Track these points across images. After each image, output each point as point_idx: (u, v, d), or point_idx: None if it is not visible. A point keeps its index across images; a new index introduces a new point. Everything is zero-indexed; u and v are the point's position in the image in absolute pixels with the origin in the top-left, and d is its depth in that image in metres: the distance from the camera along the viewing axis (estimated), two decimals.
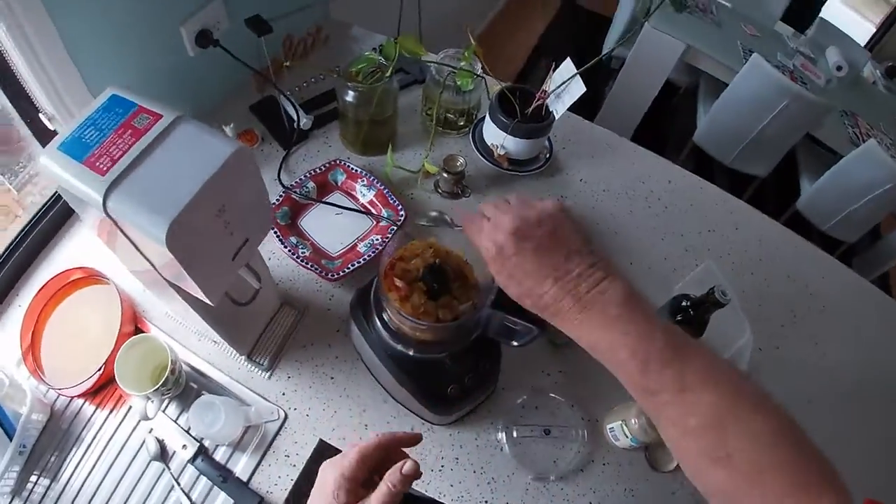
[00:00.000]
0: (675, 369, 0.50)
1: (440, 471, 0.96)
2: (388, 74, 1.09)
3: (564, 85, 1.14)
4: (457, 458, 0.97)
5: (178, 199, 0.56)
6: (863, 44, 3.02)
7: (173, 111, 0.61)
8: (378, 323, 0.87)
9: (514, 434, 0.99)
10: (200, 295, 0.70)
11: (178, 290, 0.74)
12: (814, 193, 2.43)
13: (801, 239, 1.38)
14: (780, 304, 1.25)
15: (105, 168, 0.57)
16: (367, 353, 0.94)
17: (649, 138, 2.16)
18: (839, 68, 2.50)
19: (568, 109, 1.14)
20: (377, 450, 0.56)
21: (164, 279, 0.71)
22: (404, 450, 0.60)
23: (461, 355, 0.89)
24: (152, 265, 0.67)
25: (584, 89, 1.11)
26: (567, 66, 1.14)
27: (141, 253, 0.65)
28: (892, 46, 3.25)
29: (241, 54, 1.09)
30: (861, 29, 3.11)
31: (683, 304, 0.95)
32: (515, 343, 0.87)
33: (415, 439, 0.60)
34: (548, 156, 1.28)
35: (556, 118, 1.17)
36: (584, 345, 0.56)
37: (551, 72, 1.13)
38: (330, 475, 0.54)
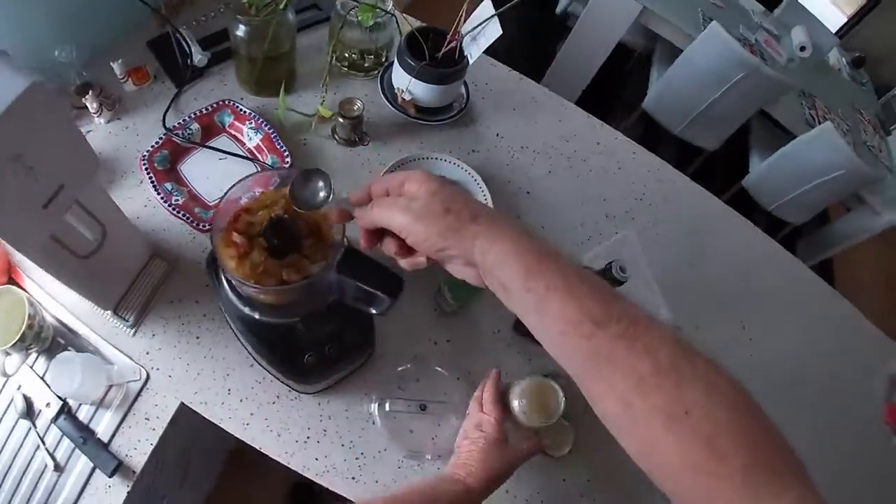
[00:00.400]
0: (623, 317, 0.43)
1: (305, 443, 0.91)
2: (281, 6, 0.98)
3: (481, 26, 1.03)
4: (324, 430, 0.92)
5: None
6: (833, 31, 2.91)
7: None
8: (225, 281, 0.80)
9: (388, 407, 0.94)
10: (16, 248, 0.63)
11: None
12: (763, 172, 2.35)
13: (739, 216, 1.31)
14: (706, 282, 1.19)
15: None
16: (226, 315, 0.88)
17: (598, 101, 2.06)
18: (802, 48, 2.39)
19: (499, 60, 1.04)
20: None
21: None
22: None
23: (316, 321, 0.82)
24: None
25: (499, 32, 1.01)
26: (486, 6, 1.03)
27: None
28: (861, 38, 3.14)
29: None
30: (833, 16, 3.02)
31: None
32: (373, 311, 0.80)
33: None
34: (463, 105, 1.17)
35: (471, 63, 1.07)
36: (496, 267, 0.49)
37: (462, 11, 1.01)
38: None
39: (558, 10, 2.86)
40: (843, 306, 1.29)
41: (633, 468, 0.45)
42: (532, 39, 3.01)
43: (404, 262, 0.57)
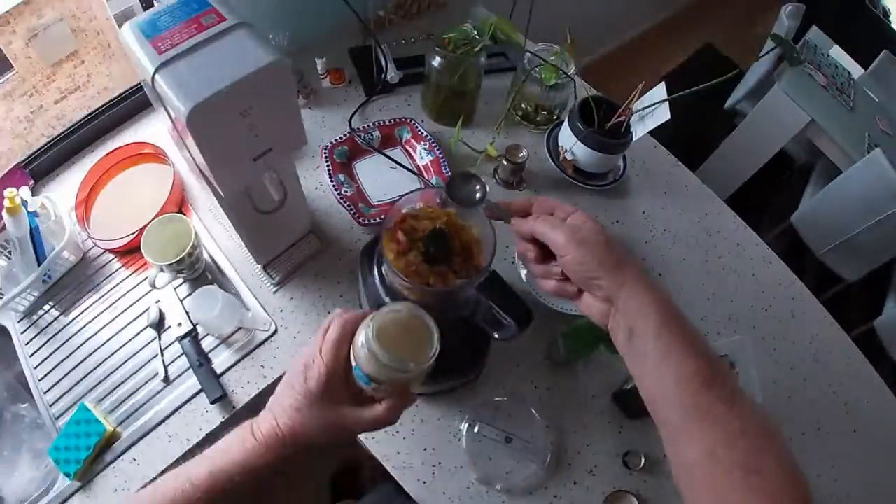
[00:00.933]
0: (726, 384, 0.51)
1: (392, 435, 0.96)
2: (476, 49, 1.10)
3: (651, 108, 1.09)
4: (413, 430, 0.97)
5: (207, 89, 0.63)
6: None
7: (238, 18, 0.68)
8: (377, 272, 0.89)
9: (476, 429, 0.98)
10: (214, 181, 0.76)
11: (208, 182, 0.80)
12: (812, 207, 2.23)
13: (859, 353, 1.24)
14: (809, 409, 1.14)
15: (164, 49, 0.65)
16: (363, 300, 0.96)
17: (748, 203, 2.02)
18: None
19: (661, 143, 1.09)
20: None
21: (197, 167, 0.77)
22: None
23: (442, 329, 0.88)
24: (187, 148, 0.74)
25: (668, 116, 1.06)
26: (659, 89, 1.09)
27: (181, 137, 0.72)
28: None
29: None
30: None
31: None
32: (496, 336, 0.86)
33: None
34: (618, 176, 1.23)
35: (634, 139, 1.12)
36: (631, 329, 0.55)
37: (637, 91, 1.08)
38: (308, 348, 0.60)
39: (727, 104, 2.86)
40: None
41: None
42: (695, 127, 3.02)
43: (552, 286, 0.63)
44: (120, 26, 0.71)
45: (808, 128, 2.26)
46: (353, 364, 0.57)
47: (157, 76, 0.64)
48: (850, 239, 2.18)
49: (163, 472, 0.87)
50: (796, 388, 1.16)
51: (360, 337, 0.57)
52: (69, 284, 1.03)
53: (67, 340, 1.00)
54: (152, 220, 0.99)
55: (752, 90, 2.68)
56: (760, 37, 2.34)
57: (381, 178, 1.14)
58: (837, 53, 2.80)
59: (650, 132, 1.12)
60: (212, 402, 0.93)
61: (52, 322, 1.01)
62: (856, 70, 2.83)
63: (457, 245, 0.81)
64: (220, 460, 0.56)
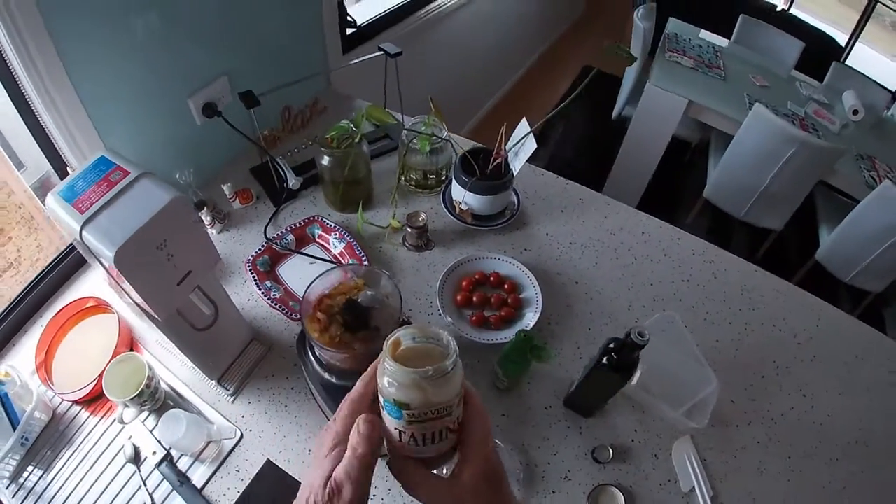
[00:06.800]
0: None
1: (371, 500, 1.02)
2: (356, 140, 1.24)
3: (520, 143, 1.23)
4: (388, 489, 1.03)
5: (126, 232, 0.76)
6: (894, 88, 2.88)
7: (139, 169, 0.82)
8: (311, 356, 0.98)
9: (444, 472, 1.03)
10: (150, 309, 0.86)
11: (147, 315, 0.91)
12: (832, 243, 2.30)
13: (791, 286, 1.35)
14: (760, 354, 1.23)
15: (84, 209, 0.78)
16: (310, 385, 1.04)
17: (662, 198, 2.16)
18: (855, 112, 2.42)
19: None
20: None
21: (135, 303, 0.88)
22: None
23: None
24: (123, 289, 0.85)
25: (535, 146, 1.20)
26: (523, 125, 1.23)
27: (116, 281, 0.84)
28: None
29: (245, 124, 1.29)
30: (893, 73, 2.99)
31: (610, 346, 0.98)
32: None
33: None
34: (514, 211, 1.35)
35: (515, 174, 1.25)
36: None
37: (501, 133, 1.22)
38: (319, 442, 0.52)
39: (614, 115, 3.04)
40: None
41: None
42: (593, 150, 3.20)
43: None
44: (40, 197, 0.83)
45: (689, 109, 2.44)
46: (381, 401, 0.50)
47: (83, 232, 0.76)
48: (762, 192, 2.30)
49: None
50: (741, 339, 1.25)
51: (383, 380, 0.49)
52: (46, 443, 1.10)
53: (54, 497, 1.06)
54: (108, 364, 1.08)
55: (630, 95, 2.88)
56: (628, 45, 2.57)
57: (304, 275, 1.24)
58: (705, 35, 3.04)
59: (544, 166, 1.25)
60: None
61: (38, 481, 1.06)
62: (722, 43, 3.07)
63: (373, 310, 0.91)
64: None
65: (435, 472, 0.54)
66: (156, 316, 0.89)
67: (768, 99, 2.41)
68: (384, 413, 0.50)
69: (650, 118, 2.56)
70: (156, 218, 0.78)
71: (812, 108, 2.57)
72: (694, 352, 1.15)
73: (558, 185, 1.47)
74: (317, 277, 0.93)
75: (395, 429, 0.50)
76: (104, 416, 1.12)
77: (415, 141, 1.31)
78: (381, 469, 0.50)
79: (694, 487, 1.07)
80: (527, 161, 1.22)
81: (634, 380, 1.14)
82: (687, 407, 1.11)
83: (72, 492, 1.05)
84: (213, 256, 0.95)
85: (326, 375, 0.97)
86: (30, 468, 1.08)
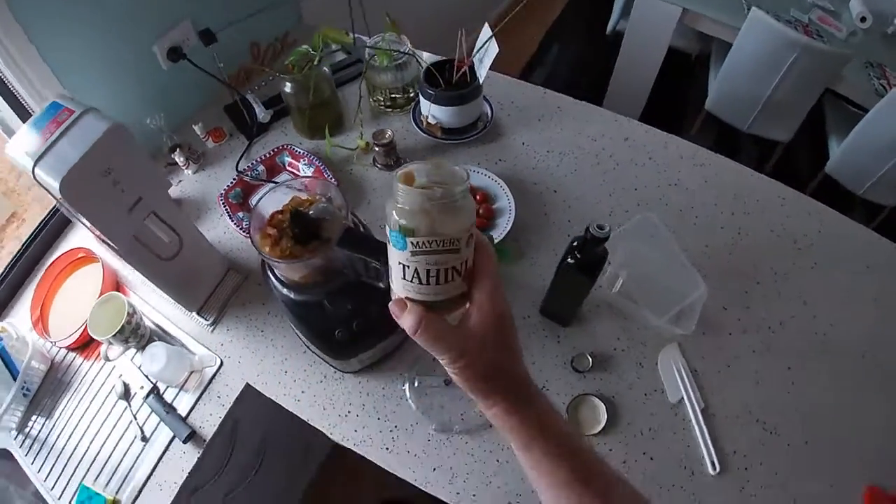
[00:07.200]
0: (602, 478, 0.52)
1: (346, 416, 1.03)
2: (316, 62, 1.21)
3: (484, 48, 1.17)
4: (363, 405, 1.04)
5: (68, 163, 0.79)
6: None
7: (83, 107, 0.84)
8: (269, 272, 0.98)
9: (416, 384, 1.03)
10: (108, 240, 0.89)
11: (112, 248, 0.93)
12: (842, 154, 2.14)
13: (790, 189, 1.26)
14: (755, 260, 1.16)
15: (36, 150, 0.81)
16: (280, 307, 1.05)
17: (665, 112, 2.04)
18: (863, 19, 2.22)
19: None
20: None
21: (101, 239, 0.91)
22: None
23: (340, 299, 0.95)
24: (84, 224, 0.88)
25: (497, 49, 1.14)
26: (485, 30, 1.18)
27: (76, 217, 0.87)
28: None
29: (211, 65, 1.28)
30: None
31: (573, 244, 0.94)
32: (381, 285, 0.93)
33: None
34: (487, 122, 1.30)
35: (481, 81, 1.20)
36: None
37: (460, 37, 1.16)
38: None
39: (608, 30, 2.90)
40: None
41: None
42: (590, 68, 3.08)
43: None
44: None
45: (684, 17, 2.30)
46: (388, 233, 0.48)
47: (35, 170, 0.79)
48: (766, 102, 2.17)
49: None
50: (735, 243, 1.18)
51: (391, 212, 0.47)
52: (47, 392, 1.16)
53: (56, 441, 1.12)
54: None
55: (623, 8, 2.72)
56: None
57: (276, 203, 1.23)
58: None
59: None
60: (184, 442, 1.03)
61: (41, 429, 1.13)
62: None
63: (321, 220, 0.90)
64: None
65: None
66: (114, 245, 0.90)
67: (769, 5, 2.23)
68: (389, 247, 0.48)
69: (644, 29, 2.43)
70: (95, 147, 0.80)
71: (816, 14, 2.38)
72: (679, 255, 1.09)
73: (535, 95, 1.41)
74: (265, 193, 0.93)
75: (400, 263, 0.48)
76: (97, 358, 1.17)
77: (376, 58, 1.27)
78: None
79: (682, 398, 1.03)
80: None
81: (616, 287, 1.10)
82: (673, 313, 1.06)
83: (71, 433, 1.12)
84: (163, 184, 0.96)
85: (285, 291, 0.97)
86: (34, 417, 1.15)
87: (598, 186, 1.25)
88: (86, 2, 1.12)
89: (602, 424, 1.00)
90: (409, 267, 0.47)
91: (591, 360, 1.05)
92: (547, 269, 1.14)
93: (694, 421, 1.00)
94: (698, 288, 1.05)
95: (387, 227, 0.47)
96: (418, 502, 1.04)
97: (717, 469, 0.96)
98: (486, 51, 1.17)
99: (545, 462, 0.50)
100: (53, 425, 1.13)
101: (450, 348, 0.47)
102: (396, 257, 0.47)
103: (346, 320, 0.97)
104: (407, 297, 0.49)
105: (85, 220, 0.86)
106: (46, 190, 0.82)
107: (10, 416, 1.12)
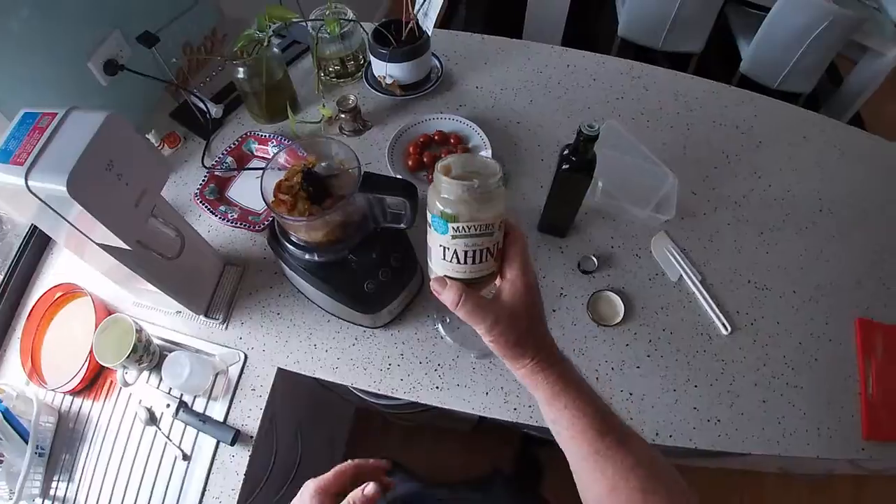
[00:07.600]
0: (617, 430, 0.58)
1: (388, 370, 1.05)
2: (265, 44, 1.20)
3: (427, 2, 1.21)
4: (402, 355, 1.06)
5: (71, 161, 0.73)
6: None
7: (66, 107, 0.78)
8: (286, 243, 0.97)
9: (448, 320, 1.06)
10: (117, 241, 0.84)
11: (116, 251, 0.88)
12: (753, 53, 2.37)
13: (721, 84, 1.40)
14: (708, 148, 1.29)
15: (23, 160, 0.74)
16: (293, 277, 1.04)
17: (581, 40, 2.16)
18: None
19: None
20: (352, 468, 0.65)
21: (100, 244, 0.86)
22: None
23: (364, 251, 0.97)
24: (83, 234, 0.83)
25: (441, 1, 1.18)
26: None
27: (78, 230, 0.82)
28: None
29: (149, 72, 1.23)
30: None
31: (565, 151, 1.00)
32: (403, 225, 0.96)
33: (382, 468, 0.68)
34: (439, 74, 1.35)
35: (429, 33, 1.24)
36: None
37: None
38: (307, 488, 0.63)
39: None
40: (859, 136, 1.35)
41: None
42: (504, 3, 3.18)
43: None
44: None
45: None
46: (429, 218, 0.54)
47: (28, 181, 0.73)
48: (673, 19, 2.34)
49: None
50: (686, 137, 1.32)
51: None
52: (62, 447, 1.07)
53: (90, 488, 1.03)
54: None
55: None
56: None
57: (254, 189, 1.22)
58: None
59: (459, 28, 1.23)
60: (231, 444, 0.99)
61: (67, 486, 1.04)
62: None
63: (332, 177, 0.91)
64: None
65: None
66: (124, 245, 0.86)
67: None
68: (431, 231, 0.54)
69: None
70: (96, 139, 0.75)
71: None
72: (645, 153, 1.19)
73: (475, 42, 1.47)
74: (263, 171, 0.92)
75: (441, 245, 0.54)
76: (107, 395, 1.09)
77: (323, 29, 1.28)
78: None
79: (681, 275, 1.14)
80: (445, 28, 1.20)
81: (597, 195, 1.19)
82: (653, 204, 1.17)
83: (103, 478, 1.04)
84: (164, 170, 0.92)
85: (307, 256, 0.97)
86: (55, 478, 1.05)
87: (555, 111, 1.33)
88: (20, 48, 1.05)
89: (621, 315, 1.08)
90: (449, 249, 0.54)
91: (595, 260, 1.14)
92: (532, 192, 1.22)
93: (697, 292, 1.11)
94: (668, 178, 1.16)
95: (428, 212, 0.54)
96: None
97: (729, 329, 1.08)
98: (430, 3, 1.21)
99: (566, 413, 0.57)
100: (81, 477, 1.04)
101: (486, 318, 0.54)
102: (437, 240, 0.54)
103: (372, 271, 0.99)
104: (446, 276, 0.56)
105: (94, 227, 0.80)
106: (43, 202, 0.77)
107: (30, 483, 1.03)
